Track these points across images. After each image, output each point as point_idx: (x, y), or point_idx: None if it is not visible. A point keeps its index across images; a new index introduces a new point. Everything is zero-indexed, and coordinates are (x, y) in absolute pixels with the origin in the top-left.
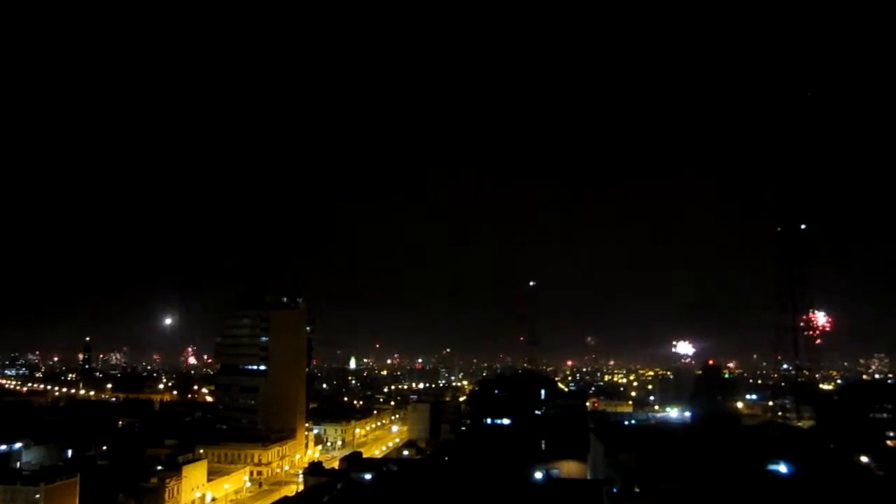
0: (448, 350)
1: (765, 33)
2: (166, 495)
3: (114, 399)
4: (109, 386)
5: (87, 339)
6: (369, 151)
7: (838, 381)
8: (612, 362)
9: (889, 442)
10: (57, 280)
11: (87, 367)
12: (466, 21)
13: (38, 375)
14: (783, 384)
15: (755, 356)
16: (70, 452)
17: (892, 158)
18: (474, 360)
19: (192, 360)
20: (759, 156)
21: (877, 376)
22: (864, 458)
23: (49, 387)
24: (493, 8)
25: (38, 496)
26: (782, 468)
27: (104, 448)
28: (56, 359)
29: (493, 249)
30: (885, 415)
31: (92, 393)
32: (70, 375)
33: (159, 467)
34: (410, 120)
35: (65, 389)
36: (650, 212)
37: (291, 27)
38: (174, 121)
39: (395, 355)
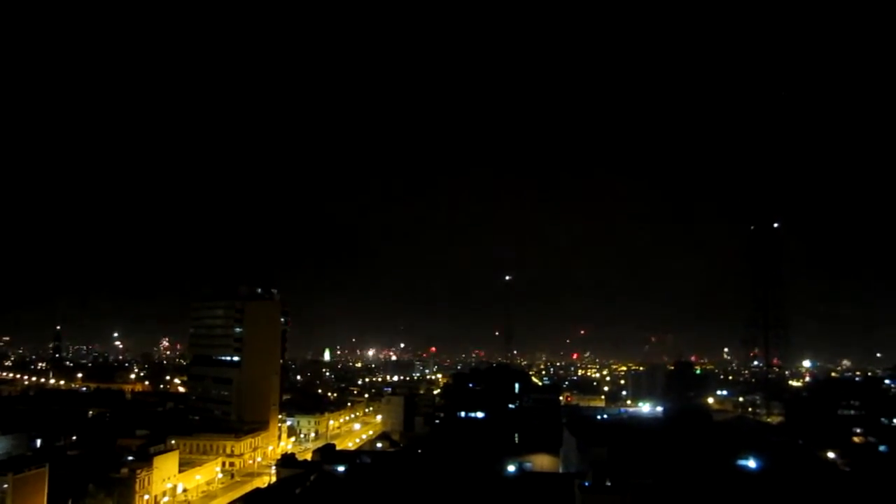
0: (423, 343)
1: (744, 35)
2: (137, 486)
3: (84, 389)
4: (80, 375)
5: (58, 327)
6: (346, 147)
7: (807, 379)
8: (585, 354)
9: (855, 438)
10: (27, 268)
11: (57, 356)
12: (449, 21)
13: (7, 364)
14: (753, 381)
15: (726, 352)
16: (39, 442)
17: (874, 157)
18: (449, 354)
19: (164, 350)
20: (736, 155)
21: (846, 374)
22: (830, 454)
23: (18, 375)
24: (475, 9)
25: (5, 486)
26: (751, 463)
27: (74, 438)
28: (25, 347)
29: (470, 245)
30: (852, 412)
31: (62, 382)
32: (40, 364)
33: (130, 458)
34: (389, 115)
35: (34, 378)
36: (625, 209)
37: (272, 21)
38: (149, 113)
39: (371, 349)
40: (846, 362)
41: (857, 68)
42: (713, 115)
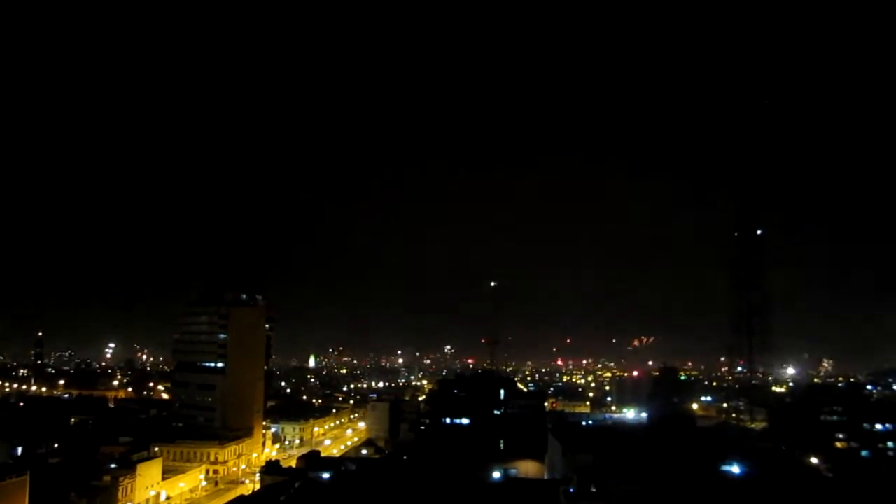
0: (408, 350)
1: (730, 42)
2: (120, 494)
3: (66, 396)
4: (62, 382)
5: (40, 333)
6: (330, 150)
7: (790, 384)
8: (570, 362)
9: (838, 444)
10: (7, 274)
11: (38, 362)
12: (443, 20)
13: None
14: (737, 386)
15: (718, 358)
16: (20, 450)
17: (859, 162)
18: (433, 358)
19: (147, 357)
20: (721, 160)
21: (829, 380)
22: (814, 460)
23: None
24: (471, 8)
25: None
26: (735, 469)
27: (56, 446)
28: (5, 354)
29: (457, 250)
30: (834, 417)
31: (44, 389)
32: (21, 371)
33: (113, 465)
34: (378, 117)
35: (15, 385)
36: (610, 213)
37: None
38: (131, 119)
39: (354, 357)
40: (826, 364)
41: (849, 72)
42: (700, 121)
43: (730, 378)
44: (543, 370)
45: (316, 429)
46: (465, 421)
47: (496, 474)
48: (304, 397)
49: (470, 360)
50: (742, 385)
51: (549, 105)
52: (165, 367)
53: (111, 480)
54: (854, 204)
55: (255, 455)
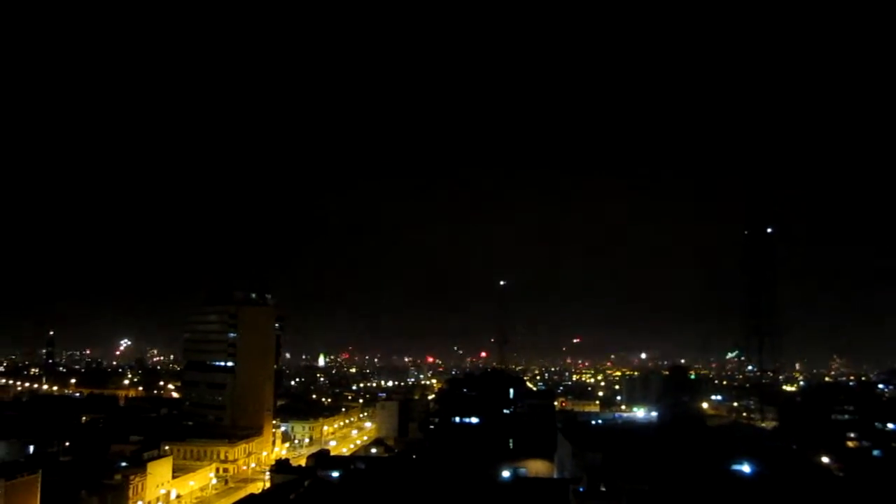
0: (417, 348)
1: (742, 41)
2: (130, 492)
3: (77, 394)
4: (73, 381)
5: (51, 332)
6: (339, 150)
7: (801, 383)
8: (581, 362)
9: (850, 443)
10: (18, 273)
11: (50, 361)
12: (450, 19)
13: None
14: (748, 385)
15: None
16: (32, 448)
17: (870, 162)
18: (442, 357)
19: (158, 356)
20: (733, 159)
21: (840, 379)
22: (825, 459)
23: (10, 381)
24: (478, 8)
25: None
26: (745, 468)
27: (67, 444)
28: (17, 353)
29: (466, 249)
30: (845, 416)
31: (55, 388)
32: (33, 370)
33: (124, 464)
34: (378, 119)
35: (27, 384)
36: (622, 212)
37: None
38: (140, 118)
39: (363, 356)
40: (837, 363)
41: (853, 74)
42: (709, 120)
43: (740, 377)
44: (553, 369)
45: (325, 428)
46: (474, 420)
47: (505, 473)
48: (314, 396)
49: (483, 354)
50: (752, 384)
51: (557, 105)
52: (176, 366)
53: (122, 479)
54: (864, 201)
55: (264, 454)
